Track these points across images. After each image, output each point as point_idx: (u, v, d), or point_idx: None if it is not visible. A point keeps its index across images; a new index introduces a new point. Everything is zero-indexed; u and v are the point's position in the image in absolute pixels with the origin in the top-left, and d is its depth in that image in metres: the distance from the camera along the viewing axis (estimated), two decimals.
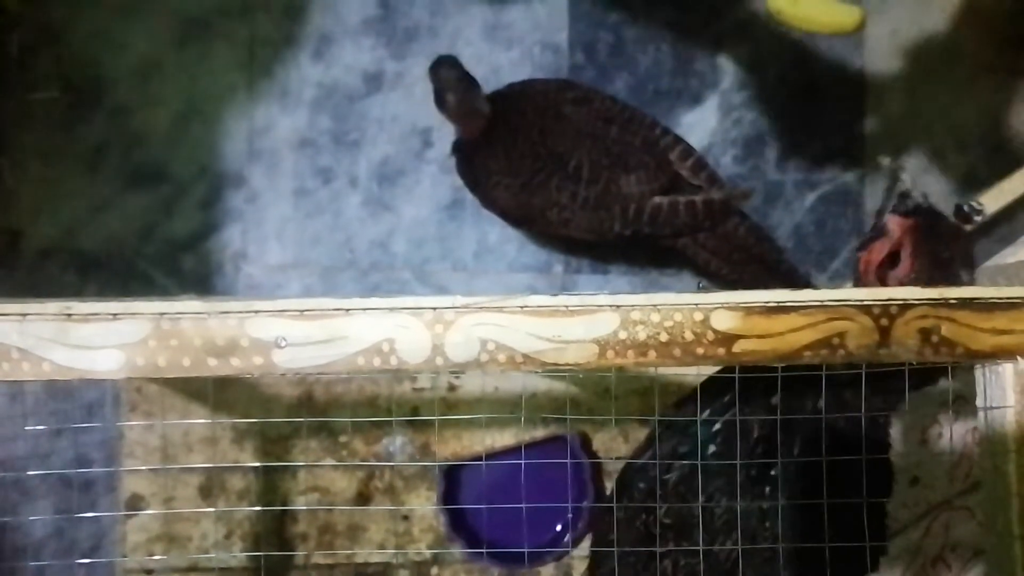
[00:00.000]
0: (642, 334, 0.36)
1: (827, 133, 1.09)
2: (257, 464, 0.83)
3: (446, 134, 1.04)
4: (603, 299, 0.36)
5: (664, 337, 0.36)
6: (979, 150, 1.11)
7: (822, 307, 0.36)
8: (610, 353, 0.36)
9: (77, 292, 0.98)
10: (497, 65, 1.05)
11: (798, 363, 0.36)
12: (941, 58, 1.12)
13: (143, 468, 0.82)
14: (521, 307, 0.36)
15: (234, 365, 0.35)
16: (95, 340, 0.34)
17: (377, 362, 0.35)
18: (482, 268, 1.04)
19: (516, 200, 0.91)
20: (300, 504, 0.89)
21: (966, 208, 0.99)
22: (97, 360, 0.34)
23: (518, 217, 0.94)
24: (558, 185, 0.89)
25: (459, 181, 1.03)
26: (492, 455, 0.90)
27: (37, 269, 0.99)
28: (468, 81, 0.87)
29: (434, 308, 0.36)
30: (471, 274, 1.04)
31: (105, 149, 1.00)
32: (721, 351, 0.36)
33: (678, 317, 0.36)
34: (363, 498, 0.90)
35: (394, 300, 0.36)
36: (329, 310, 0.36)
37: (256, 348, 0.35)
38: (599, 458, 0.92)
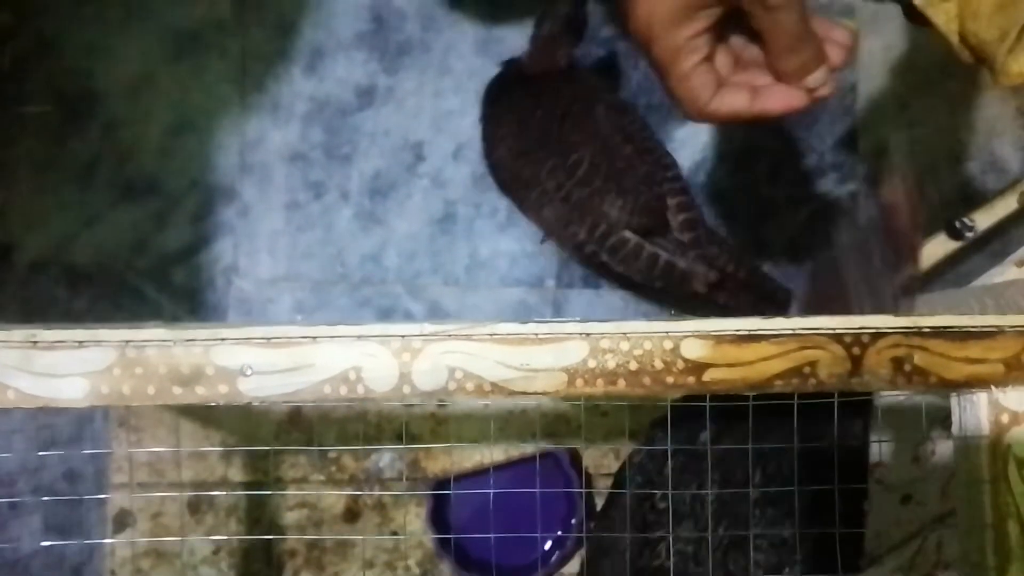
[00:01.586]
0: (611, 362, 0.35)
1: (820, 148, 1.09)
2: (238, 491, 0.83)
3: (438, 148, 1.04)
4: (572, 327, 0.36)
5: (634, 366, 0.36)
6: (972, 166, 1.11)
7: (793, 335, 0.36)
8: (579, 382, 0.36)
9: (67, 306, 0.98)
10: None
11: (769, 391, 0.36)
12: (935, 73, 1.12)
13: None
14: (490, 335, 0.35)
15: (199, 393, 0.35)
16: (59, 368, 0.34)
17: (344, 391, 0.35)
18: (474, 282, 1.04)
19: (510, 162, 0.90)
20: (289, 519, 0.89)
21: (958, 224, 0.99)
22: (62, 388, 0.34)
23: (503, 179, 0.93)
24: (551, 170, 0.87)
25: (452, 195, 1.04)
26: (481, 472, 0.89)
27: (28, 283, 0.99)
28: (577, 24, 0.87)
29: (402, 336, 0.35)
30: (463, 288, 1.04)
31: (97, 162, 1.00)
32: (691, 380, 0.36)
33: (648, 345, 0.36)
34: (352, 514, 0.90)
35: (361, 328, 0.36)
36: (296, 338, 0.35)
37: (221, 376, 0.35)
38: (589, 474, 0.92)
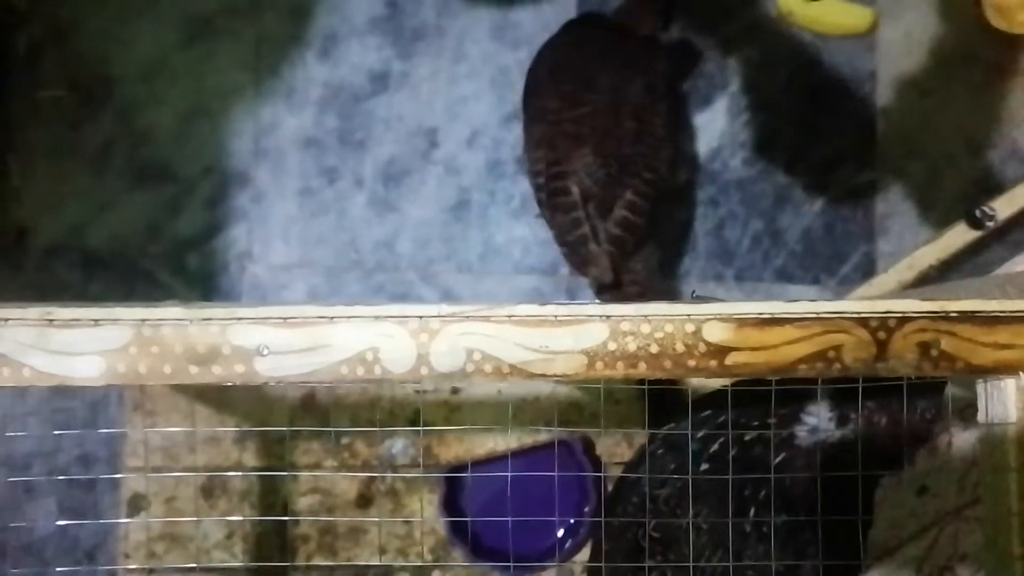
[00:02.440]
0: (632, 345, 0.35)
1: (838, 136, 1.08)
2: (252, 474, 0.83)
3: (452, 134, 1.04)
4: (592, 309, 0.35)
5: (654, 348, 0.35)
6: (992, 154, 1.09)
7: (818, 319, 0.35)
8: (599, 364, 0.35)
9: (81, 291, 0.98)
10: (504, 65, 1.04)
11: (793, 376, 0.36)
12: (955, 61, 1.10)
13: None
14: (508, 316, 0.35)
15: (215, 373, 0.34)
16: (76, 346, 0.34)
17: (361, 371, 0.35)
18: (487, 270, 1.04)
19: (543, 75, 0.94)
20: (302, 505, 0.89)
21: (978, 213, 0.98)
22: (77, 366, 0.34)
23: (528, 84, 0.96)
24: (563, 95, 0.91)
25: (466, 182, 1.03)
26: (494, 459, 0.89)
27: (43, 267, 0.99)
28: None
29: (419, 317, 0.35)
30: (476, 276, 1.03)
31: (111, 148, 1.00)
32: (713, 363, 0.35)
33: (669, 328, 0.35)
34: (364, 499, 0.89)
35: (378, 308, 0.35)
36: (312, 318, 0.35)
37: (238, 356, 0.35)
38: (602, 463, 0.91)
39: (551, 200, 0.89)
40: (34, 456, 0.96)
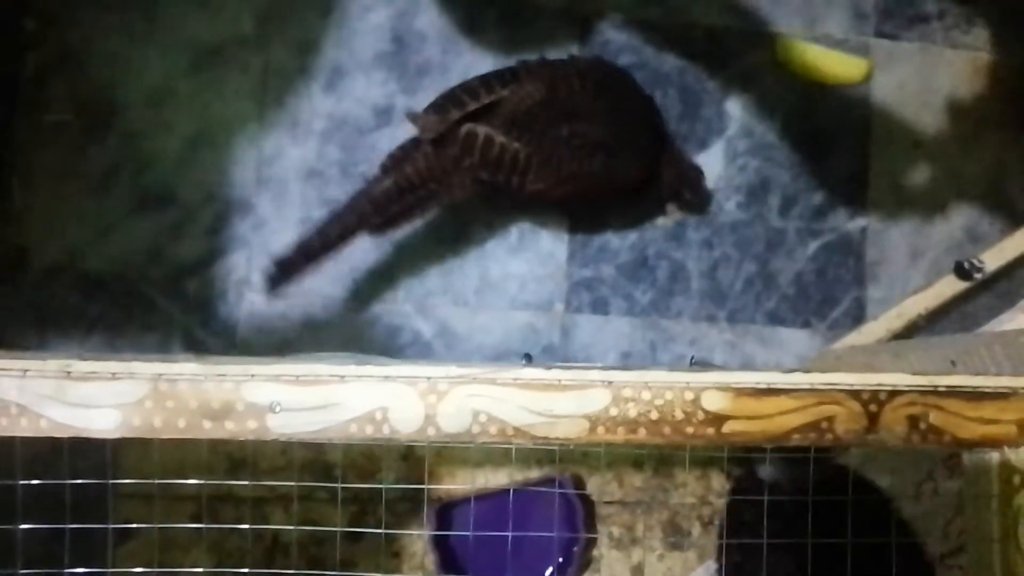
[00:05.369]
0: (633, 411, 0.36)
1: (831, 183, 1.10)
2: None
3: None
4: (595, 374, 0.37)
5: (654, 415, 0.36)
6: (982, 206, 1.11)
7: (812, 391, 0.36)
8: (600, 429, 0.36)
9: (80, 314, 0.99)
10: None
11: (787, 445, 0.37)
12: (947, 112, 1.13)
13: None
14: (514, 380, 0.36)
15: (228, 428, 0.35)
16: (93, 399, 0.34)
17: (370, 430, 0.36)
18: (483, 304, 1.05)
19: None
20: (292, 536, 0.89)
21: (967, 265, 1.00)
22: (93, 419, 0.34)
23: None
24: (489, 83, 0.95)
25: (464, 216, 1.04)
26: (485, 495, 0.90)
27: (43, 288, 1.00)
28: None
29: (428, 378, 0.36)
30: (472, 310, 1.04)
31: (115, 172, 1.01)
32: (711, 431, 0.36)
33: (669, 395, 0.36)
34: (354, 532, 0.90)
35: (389, 368, 0.36)
36: (324, 377, 0.36)
37: (251, 412, 0.36)
38: (592, 501, 0.92)
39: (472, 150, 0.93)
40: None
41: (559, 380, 0.36)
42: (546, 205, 1.04)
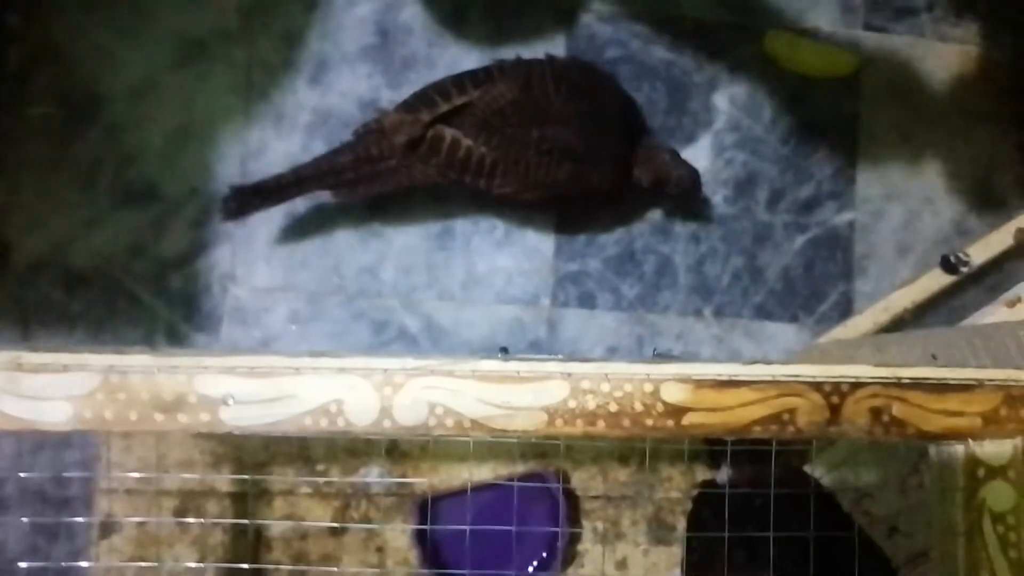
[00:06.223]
0: (591, 403, 0.36)
1: (819, 176, 1.10)
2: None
3: None
4: (553, 366, 0.36)
5: (613, 407, 0.36)
6: (970, 200, 1.11)
7: (773, 383, 0.36)
8: (559, 421, 0.36)
9: (63, 309, 0.99)
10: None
11: (747, 437, 0.36)
12: (935, 107, 1.12)
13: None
14: (472, 372, 0.36)
15: (181, 421, 0.35)
16: (44, 391, 0.34)
17: (324, 423, 0.36)
18: (469, 298, 1.04)
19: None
20: (275, 531, 0.89)
21: (953, 259, 0.99)
22: (45, 411, 0.34)
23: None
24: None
25: (450, 210, 1.04)
26: (468, 490, 0.89)
27: (26, 283, 0.99)
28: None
29: (384, 370, 0.36)
30: (458, 304, 1.04)
31: (99, 166, 1.01)
32: (670, 423, 0.36)
33: (628, 387, 0.36)
34: (338, 529, 0.90)
35: (344, 360, 0.36)
36: (278, 368, 0.36)
37: (204, 405, 0.35)
38: (576, 495, 0.92)
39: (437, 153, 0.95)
40: (6, 475, 0.95)
41: (517, 372, 0.36)
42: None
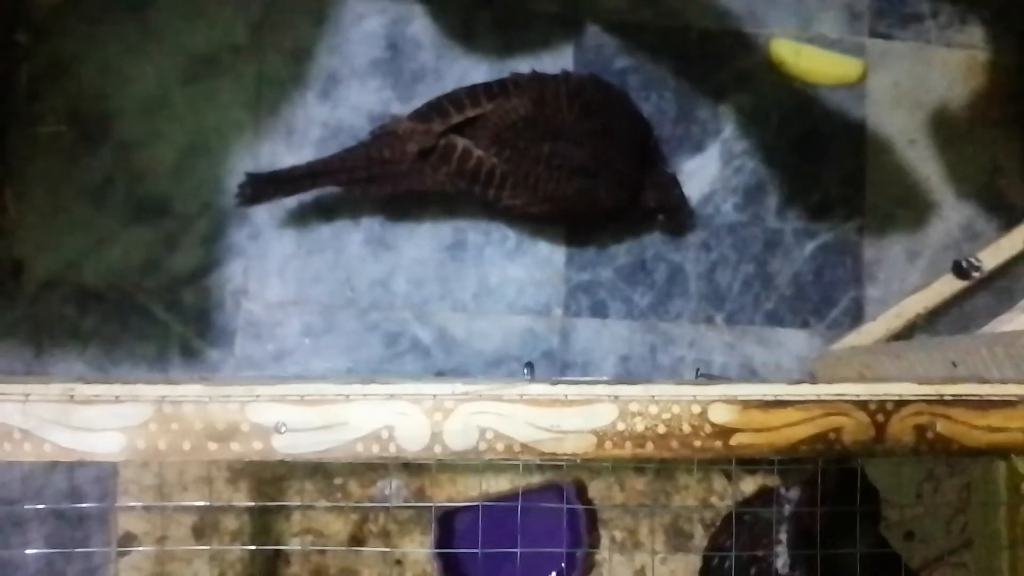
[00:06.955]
0: (640, 425, 0.36)
1: (827, 183, 1.10)
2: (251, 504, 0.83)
3: None
4: (602, 389, 0.36)
5: (662, 429, 0.36)
6: (978, 204, 1.12)
7: (819, 402, 0.36)
8: (608, 444, 0.36)
9: (75, 326, 0.99)
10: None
11: (794, 456, 0.37)
12: (942, 112, 1.13)
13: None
14: (520, 396, 0.36)
15: (234, 450, 0.35)
16: (97, 423, 0.34)
17: (376, 449, 0.36)
18: (482, 309, 1.05)
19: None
20: (293, 545, 0.89)
21: (964, 264, 1.00)
22: (98, 443, 0.34)
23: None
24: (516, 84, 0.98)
25: (462, 222, 1.04)
26: (487, 502, 0.89)
27: (38, 301, 0.99)
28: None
29: (434, 396, 0.36)
30: (471, 315, 1.04)
31: (110, 183, 1.01)
32: (718, 444, 0.36)
33: (676, 409, 0.36)
34: (356, 541, 0.90)
35: (393, 387, 0.36)
36: (329, 396, 0.36)
37: (256, 433, 0.35)
38: (594, 506, 0.92)
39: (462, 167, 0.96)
40: (25, 490, 0.95)
41: (565, 395, 0.36)
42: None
